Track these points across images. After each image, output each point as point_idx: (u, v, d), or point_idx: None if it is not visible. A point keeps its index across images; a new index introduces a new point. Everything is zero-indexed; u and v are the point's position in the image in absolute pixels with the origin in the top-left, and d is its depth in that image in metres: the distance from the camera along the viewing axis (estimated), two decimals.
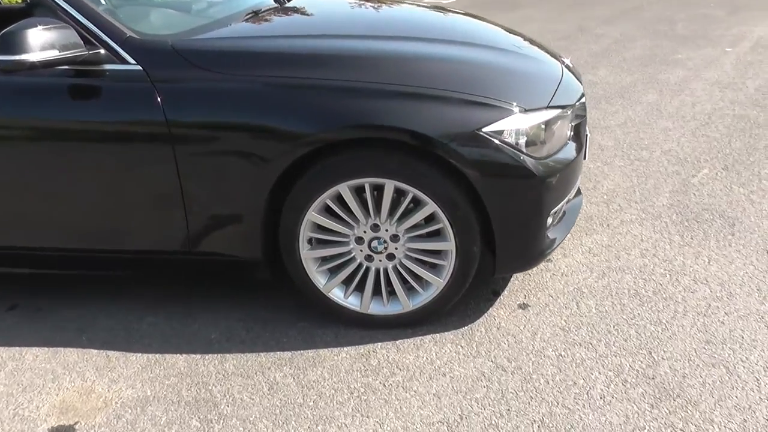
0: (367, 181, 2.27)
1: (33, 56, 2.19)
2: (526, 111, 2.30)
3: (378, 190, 2.31)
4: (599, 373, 2.25)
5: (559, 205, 2.44)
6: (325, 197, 2.30)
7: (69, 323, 2.72)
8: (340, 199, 2.33)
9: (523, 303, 2.65)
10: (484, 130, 2.21)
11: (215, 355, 2.44)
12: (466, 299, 2.64)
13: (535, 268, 2.88)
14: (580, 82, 2.79)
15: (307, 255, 2.41)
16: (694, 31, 7.68)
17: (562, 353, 2.35)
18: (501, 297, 2.69)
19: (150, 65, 2.34)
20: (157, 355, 2.46)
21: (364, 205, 2.33)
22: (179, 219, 2.43)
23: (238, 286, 2.83)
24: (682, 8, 9.38)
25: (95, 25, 2.37)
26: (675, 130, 4.51)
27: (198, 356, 2.44)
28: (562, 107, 2.44)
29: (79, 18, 2.37)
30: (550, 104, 2.41)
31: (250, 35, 2.73)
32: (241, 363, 2.39)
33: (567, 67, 2.82)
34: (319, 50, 2.49)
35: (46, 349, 2.57)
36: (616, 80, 5.82)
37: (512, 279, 2.81)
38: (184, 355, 2.45)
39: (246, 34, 2.74)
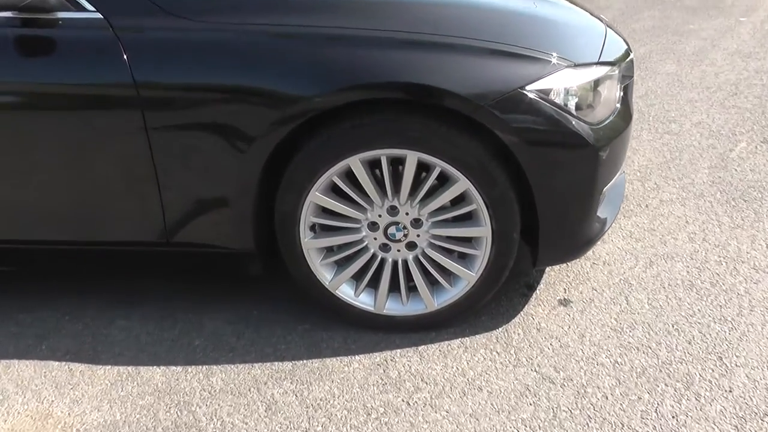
0: (383, 153, 1.85)
1: None
2: (575, 66, 1.89)
3: (396, 164, 1.90)
4: (666, 384, 1.86)
5: (612, 182, 2.04)
6: (332, 173, 1.88)
7: (25, 329, 2.28)
8: (350, 176, 1.91)
9: (564, 298, 2.25)
10: (527, 88, 1.80)
11: (200, 367, 2.02)
12: (496, 294, 2.24)
13: None
14: (624, 40, 2.37)
15: (310, 245, 1.99)
16: (703, 2, 7.27)
17: (619, 360, 1.96)
18: (537, 291, 2.29)
19: (112, 12, 1.89)
20: (129, 368, 2.04)
21: (380, 183, 1.91)
22: (153, 204, 2.00)
23: (227, 284, 2.41)
24: None
25: None
26: (702, 101, 4.12)
27: (179, 369, 2.02)
28: (612, 64, 2.03)
29: None
30: (600, 60, 2.00)
31: None
32: (231, 377, 1.98)
33: (606, 23, 2.41)
34: None
35: None
36: None
37: (547, 270, 2.41)
38: (162, 368, 2.03)
39: None
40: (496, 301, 2.23)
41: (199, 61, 1.86)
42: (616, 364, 1.94)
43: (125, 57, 1.85)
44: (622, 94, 2.11)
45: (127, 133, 1.91)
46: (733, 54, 5.15)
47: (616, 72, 2.05)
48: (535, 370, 1.93)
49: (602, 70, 1.97)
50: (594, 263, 2.44)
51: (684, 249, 2.51)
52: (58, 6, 1.90)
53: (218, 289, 2.39)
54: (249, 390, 1.92)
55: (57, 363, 2.10)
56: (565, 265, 2.44)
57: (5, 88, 1.96)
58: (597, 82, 1.94)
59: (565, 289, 2.30)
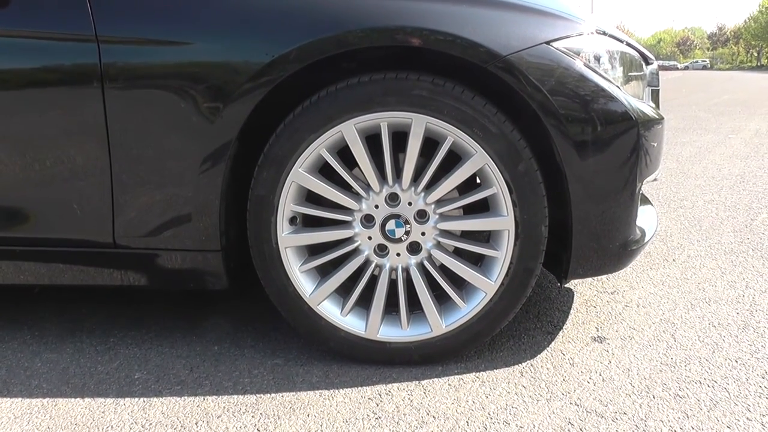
0: (383, 118, 1.51)
1: None
2: (605, 34, 1.63)
3: (398, 145, 1.56)
4: (747, 419, 1.42)
5: (652, 176, 1.71)
6: (320, 145, 1.53)
7: None
8: (342, 154, 1.56)
9: (598, 336, 1.83)
10: (556, 44, 1.51)
11: (135, 399, 1.55)
12: (515, 332, 1.83)
13: (600, 299, 2.09)
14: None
15: (288, 241, 1.59)
16: (689, 125, 7.35)
17: (680, 393, 1.52)
18: (564, 330, 1.87)
19: None
20: (44, 401, 1.56)
21: (378, 165, 1.56)
22: (100, 193, 1.62)
23: (183, 314, 1.98)
24: (666, 111, 9.19)
25: None
26: (709, 186, 3.90)
27: (109, 401, 1.54)
28: (641, 54, 1.78)
29: None
30: (630, 43, 1.75)
31: None
32: (175, 410, 1.50)
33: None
34: None
35: None
36: None
37: (572, 311, 2.00)
38: (86, 400, 1.55)
39: None
40: (515, 337, 1.81)
41: (163, 9, 1.55)
42: (679, 398, 1.50)
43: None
44: (650, 96, 1.85)
45: (78, 100, 1.57)
46: (731, 156, 5.04)
47: (644, 71, 1.79)
48: (576, 404, 1.48)
49: (633, 53, 1.71)
50: (626, 306, 2.05)
51: (727, 294, 2.13)
52: None
53: (171, 320, 1.95)
54: (195, 424, 1.44)
55: None
56: (590, 305, 2.04)
57: None
58: (629, 63, 1.67)
59: (597, 327, 1.89)
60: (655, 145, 1.66)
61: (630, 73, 1.69)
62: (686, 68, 77.54)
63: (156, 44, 1.55)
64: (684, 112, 8.99)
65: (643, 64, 1.81)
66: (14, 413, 1.51)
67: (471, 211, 1.63)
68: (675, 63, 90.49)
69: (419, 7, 1.51)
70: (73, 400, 1.55)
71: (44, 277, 1.72)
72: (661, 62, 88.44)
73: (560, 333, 1.85)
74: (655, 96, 1.94)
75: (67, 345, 1.85)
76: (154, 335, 1.89)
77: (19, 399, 1.57)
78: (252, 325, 1.92)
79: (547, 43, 1.50)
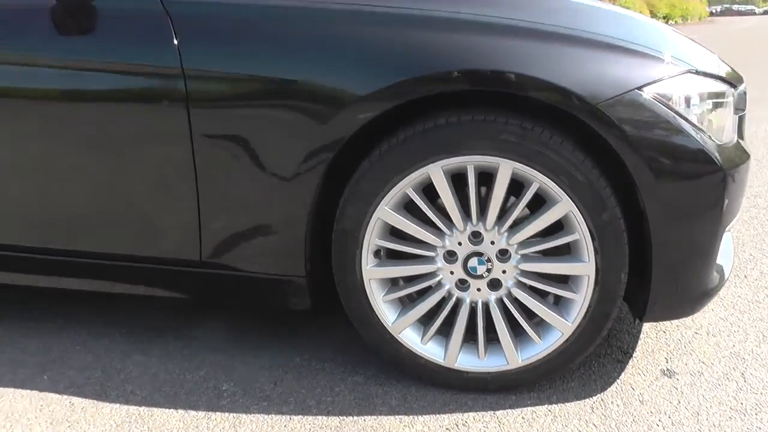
0: (470, 161, 1.53)
1: None
2: (696, 73, 1.60)
3: (482, 182, 1.58)
4: None
5: (733, 221, 1.70)
6: (407, 185, 1.56)
7: (28, 356, 1.95)
8: (427, 192, 1.60)
9: (667, 369, 1.86)
10: (646, 90, 1.49)
11: (225, 414, 1.66)
12: (585, 358, 1.86)
13: (670, 323, 2.10)
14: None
15: (373, 273, 1.65)
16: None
17: None
18: (634, 358, 1.90)
19: None
20: (141, 409, 1.68)
21: (462, 202, 1.59)
22: (189, 215, 1.70)
23: (264, 323, 2.07)
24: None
25: None
26: None
27: (200, 414, 1.66)
28: (731, 84, 1.73)
29: None
30: (720, 76, 1.70)
31: None
32: (264, 428, 1.60)
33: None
34: None
35: None
36: None
37: (642, 335, 2.03)
38: (179, 412, 1.67)
39: None
40: (586, 365, 1.85)
41: (253, 43, 1.60)
42: None
43: (173, 35, 1.61)
44: (736, 125, 1.81)
45: (166, 127, 1.65)
46: None
47: (732, 97, 1.75)
48: None
49: (722, 87, 1.67)
50: (696, 332, 2.06)
51: None
52: None
53: (254, 329, 2.04)
54: None
55: (57, 396, 1.76)
56: (660, 330, 2.06)
57: (20, 61, 1.72)
58: (717, 100, 1.64)
59: (666, 358, 1.91)
60: (740, 189, 1.65)
61: (716, 101, 1.65)
62: (765, 13, 71.78)
63: (243, 80, 1.60)
64: (760, 76, 8.58)
65: (732, 89, 1.77)
66: (115, 421, 1.64)
67: (552, 251, 1.65)
68: (752, 8, 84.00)
69: (506, 46, 1.51)
70: (167, 411, 1.67)
71: (140, 288, 1.83)
72: (736, 6, 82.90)
73: (630, 362, 1.88)
74: (741, 121, 1.90)
75: (154, 347, 1.97)
76: (236, 341, 1.99)
77: (117, 405, 1.70)
78: (331, 335, 2.00)
79: (638, 88, 1.49)
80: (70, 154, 1.74)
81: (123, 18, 1.67)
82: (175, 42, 1.61)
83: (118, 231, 1.78)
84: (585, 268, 1.57)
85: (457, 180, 1.57)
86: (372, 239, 1.61)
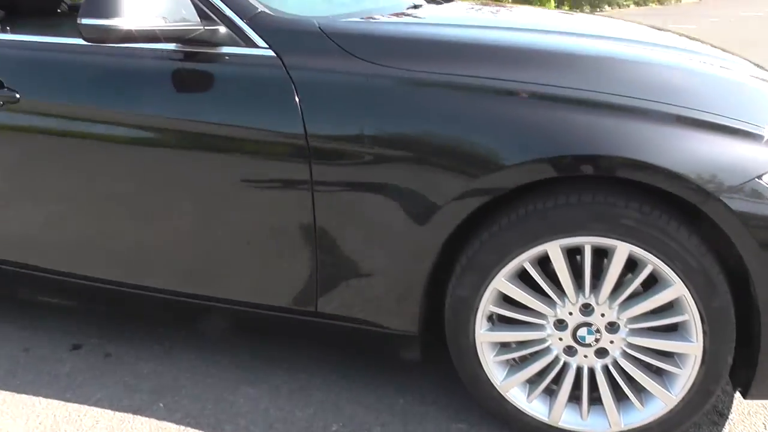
0: (588, 242, 1.58)
1: (128, 22, 1.64)
2: None
3: (599, 254, 1.62)
4: None
5: None
6: (525, 258, 1.62)
7: (143, 381, 2.09)
8: (542, 262, 1.64)
9: None
10: (765, 179, 1.50)
11: None
12: None
13: None
14: None
15: (485, 337, 1.72)
16: None
17: None
18: (729, 421, 1.93)
19: (287, 50, 1.75)
20: None
21: (576, 273, 1.63)
22: (306, 268, 1.79)
23: (368, 362, 2.15)
24: None
25: None
26: None
27: None
28: None
29: None
30: None
31: (423, 22, 2.15)
32: None
33: None
34: (516, 43, 1.84)
35: (111, 413, 1.95)
36: None
37: (738, 395, 2.04)
38: None
39: (417, 21, 2.17)
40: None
41: (381, 114, 1.66)
42: None
43: (296, 100, 1.68)
44: None
45: (288, 187, 1.75)
46: None
47: None
48: None
49: None
50: None
51: None
52: (226, 40, 1.77)
53: (358, 367, 2.13)
54: None
55: (175, 426, 1.89)
56: None
57: (156, 125, 1.84)
58: None
59: (764, 423, 1.93)
60: None
61: None
62: None
63: (367, 144, 1.66)
64: None
65: None
66: None
67: (660, 326, 1.68)
68: None
69: (628, 130, 1.53)
70: None
71: (259, 330, 1.95)
72: None
73: (726, 425, 1.91)
74: None
75: (262, 379, 2.08)
76: (342, 376, 2.08)
77: None
78: (433, 377, 2.07)
79: (758, 177, 1.50)
80: (194, 205, 1.85)
81: (247, 82, 1.76)
82: (298, 106, 1.68)
83: (238, 279, 1.90)
84: (692, 348, 1.60)
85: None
86: (486, 306, 1.68)
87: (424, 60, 1.69)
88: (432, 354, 1.86)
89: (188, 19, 1.72)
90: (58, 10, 2.67)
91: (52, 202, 2.06)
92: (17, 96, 1.96)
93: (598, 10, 18.18)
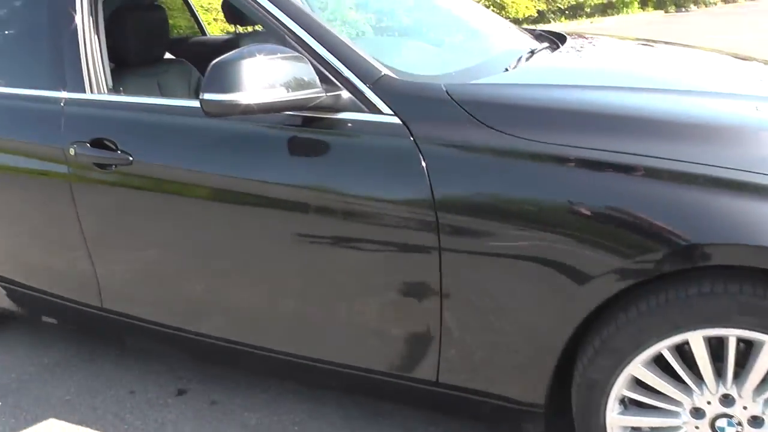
0: (733, 333, 1.50)
1: (249, 96, 1.61)
2: None
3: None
4: None
5: None
6: (663, 346, 1.55)
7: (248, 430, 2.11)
8: (679, 349, 1.58)
9: None
10: None
11: None
12: None
13: None
14: None
15: (616, 421, 1.66)
16: None
17: None
18: None
19: (414, 117, 1.70)
20: None
21: (715, 356, 1.55)
22: (428, 336, 1.77)
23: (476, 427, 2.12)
24: None
25: (338, 58, 1.78)
26: None
27: None
28: None
29: (315, 48, 1.78)
30: None
31: (558, 84, 1.99)
32: None
33: None
34: (666, 112, 1.66)
35: None
36: None
37: None
38: None
39: (549, 82, 2.02)
40: None
41: (517, 188, 1.61)
42: None
43: (424, 170, 1.65)
44: None
45: (413, 259, 1.71)
46: None
47: None
48: None
49: None
50: None
51: None
52: (348, 106, 1.74)
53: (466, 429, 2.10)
54: None
55: None
56: None
57: (274, 194, 1.83)
58: None
59: None
60: None
61: None
62: None
63: (500, 218, 1.61)
64: None
65: None
66: None
67: None
68: None
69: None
70: None
71: (370, 395, 1.94)
72: None
73: None
74: None
75: None
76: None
77: None
78: None
79: None
80: (311, 269, 1.84)
81: (371, 150, 1.74)
82: (426, 176, 1.65)
83: (354, 343, 1.89)
84: None
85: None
86: (619, 390, 1.62)
87: (565, 132, 1.60)
88: (555, 428, 1.81)
89: (310, 84, 1.70)
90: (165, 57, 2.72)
91: (164, 260, 2.10)
92: (130, 159, 2.00)
93: (683, 9, 17.50)
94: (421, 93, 1.75)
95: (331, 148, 1.77)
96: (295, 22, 1.80)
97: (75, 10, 2.14)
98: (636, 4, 16.67)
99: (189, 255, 2.03)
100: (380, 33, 2.76)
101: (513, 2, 13.25)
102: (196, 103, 1.89)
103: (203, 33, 4.00)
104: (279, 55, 1.65)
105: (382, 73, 1.76)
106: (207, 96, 1.62)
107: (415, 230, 1.69)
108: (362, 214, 1.74)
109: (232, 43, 3.32)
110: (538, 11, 14.33)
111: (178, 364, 2.48)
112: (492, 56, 2.18)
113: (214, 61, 1.61)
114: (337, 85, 1.75)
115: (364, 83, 1.74)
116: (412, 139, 1.68)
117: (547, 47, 2.39)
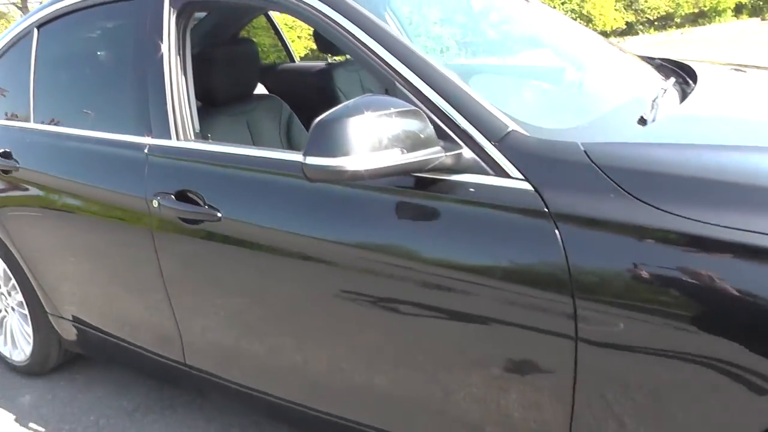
0: None
1: (357, 161, 1.36)
2: None
3: None
4: None
5: None
6: None
7: None
8: None
9: None
10: None
11: None
12: None
13: None
14: None
15: None
16: None
17: None
18: None
19: (548, 183, 1.42)
20: None
21: None
22: (556, 419, 1.48)
23: None
24: None
25: (459, 110, 1.52)
26: None
27: None
28: None
29: (433, 98, 1.53)
30: None
31: (712, 141, 1.57)
32: None
33: None
34: None
35: None
36: None
37: None
38: None
39: (699, 137, 1.63)
40: None
41: (681, 277, 1.30)
42: None
43: (562, 249, 1.37)
44: None
45: (544, 356, 1.45)
46: None
47: None
48: None
49: None
50: None
51: None
52: (470, 167, 1.48)
53: None
54: None
55: None
56: None
57: (378, 260, 1.58)
58: None
59: None
60: None
61: None
62: None
63: (656, 315, 1.32)
64: None
65: None
66: None
67: None
68: None
69: None
70: None
71: None
72: None
73: None
74: None
75: None
76: None
77: None
78: None
79: None
80: (420, 347, 1.61)
81: (495, 219, 1.47)
82: (563, 252, 1.38)
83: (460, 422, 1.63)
84: None
85: None
86: None
87: (741, 211, 1.27)
88: None
89: (428, 142, 1.44)
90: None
91: (250, 319, 1.91)
92: (218, 215, 1.81)
93: None
94: (557, 154, 1.45)
95: (449, 215, 1.50)
96: (410, 68, 1.56)
97: (162, 49, 1.98)
98: (729, 12, 15.75)
99: (277, 316, 1.83)
100: (464, 48, 2.52)
101: (601, 14, 12.73)
102: (292, 156, 1.70)
103: (291, 58, 3.82)
104: (392, 109, 1.41)
105: (510, 129, 1.50)
106: (310, 160, 1.39)
107: (547, 315, 1.41)
108: (479, 291, 1.48)
109: (325, 74, 3.13)
110: (627, 23, 13.73)
111: (266, 422, 2.30)
112: (622, 101, 1.86)
113: (317, 120, 1.39)
114: (456, 143, 1.50)
115: (489, 141, 1.48)
116: (546, 209, 1.41)
117: (675, 83, 2.07)
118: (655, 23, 14.47)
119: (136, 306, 2.22)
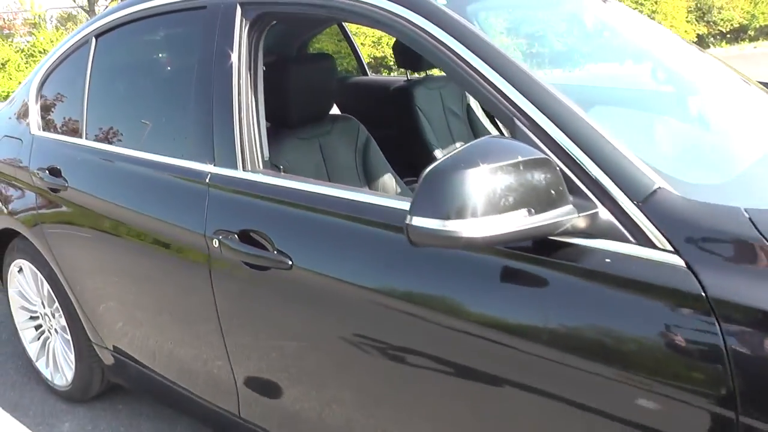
0: None
1: (475, 227, 1.08)
2: None
3: None
4: None
5: None
6: None
7: None
8: None
9: None
10: None
11: None
12: None
13: None
14: None
15: None
16: None
17: None
18: None
19: (705, 260, 1.10)
20: None
21: None
22: None
23: None
24: None
25: (597, 161, 1.21)
26: None
27: None
28: None
29: (561, 141, 1.22)
30: None
31: None
32: None
33: None
34: None
35: None
36: None
37: None
38: None
39: None
40: None
41: None
42: None
43: (724, 351, 1.05)
44: None
45: None
46: None
47: None
48: None
49: None
50: None
51: None
52: (606, 231, 1.18)
53: None
54: None
55: None
56: None
57: (484, 334, 1.28)
58: None
59: None
60: None
61: None
62: None
63: None
64: None
65: None
66: None
67: None
68: None
69: None
70: None
71: None
72: None
73: None
74: None
75: None
76: None
77: None
78: None
79: None
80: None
81: (636, 299, 1.15)
82: (727, 361, 1.06)
83: None
84: None
85: None
86: None
87: None
88: None
89: (559, 200, 1.16)
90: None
91: (319, 381, 1.65)
92: (290, 263, 1.54)
93: None
94: (716, 222, 1.14)
95: (577, 289, 1.20)
96: (534, 103, 1.28)
97: (231, 64, 1.73)
98: None
99: (358, 388, 1.56)
100: (530, 59, 2.24)
101: (672, 26, 12.22)
102: (382, 201, 1.42)
103: (363, 71, 3.53)
104: (519, 158, 1.12)
105: (656, 186, 1.19)
106: (417, 221, 1.11)
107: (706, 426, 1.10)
108: (610, 387, 1.17)
109: (404, 91, 2.85)
110: (698, 35, 13.18)
111: None
112: (762, 145, 1.53)
113: (428, 171, 1.11)
114: (590, 200, 1.20)
115: (631, 200, 1.18)
116: (703, 294, 1.09)
117: None
118: (728, 36, 13.86)
119: (187, 346, 1.98)
